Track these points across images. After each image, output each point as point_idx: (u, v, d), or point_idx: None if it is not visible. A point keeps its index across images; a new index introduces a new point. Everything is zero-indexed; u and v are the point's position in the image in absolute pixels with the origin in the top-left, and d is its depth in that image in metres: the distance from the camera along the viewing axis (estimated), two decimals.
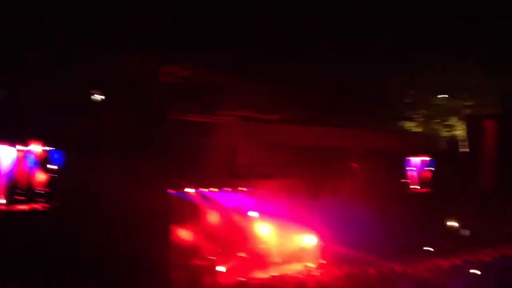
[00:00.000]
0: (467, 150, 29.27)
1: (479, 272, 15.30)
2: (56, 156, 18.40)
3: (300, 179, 24.14)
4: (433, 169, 28.51)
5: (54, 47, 20.26)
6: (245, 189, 23.69)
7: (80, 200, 17.38)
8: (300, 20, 29.87)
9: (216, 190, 22.92)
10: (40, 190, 18.17)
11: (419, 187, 28.47)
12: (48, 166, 18.38)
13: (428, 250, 22.35)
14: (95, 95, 21.35)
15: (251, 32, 28.56)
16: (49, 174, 18.31)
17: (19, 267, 14.48)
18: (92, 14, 19.78)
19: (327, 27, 31.50)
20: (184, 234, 21.52)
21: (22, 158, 18.02)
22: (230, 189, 23.38)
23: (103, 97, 21.32)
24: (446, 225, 26.59)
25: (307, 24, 31.02)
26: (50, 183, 18.24)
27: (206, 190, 22.65)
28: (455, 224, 26.53)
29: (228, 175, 22.87)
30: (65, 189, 17.72)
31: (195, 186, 22.20)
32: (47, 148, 18.26)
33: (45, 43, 19.51)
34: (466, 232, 25.73)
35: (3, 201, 17.12)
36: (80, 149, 17.43)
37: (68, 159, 18.01)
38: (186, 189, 21.92)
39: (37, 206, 17.71)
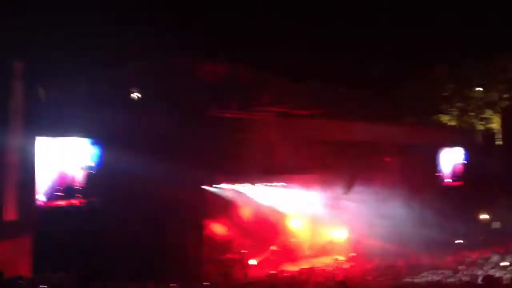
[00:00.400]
0: (501, 143, 28.91)
1: (508, 263, 15.30)
2: (95, 152, 19.11)
3: (333, 173, 24.36)
4: (466, 162, 28.26)
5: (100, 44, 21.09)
6: (278, 184, 24.08)
7: (117, 196, 18.06)
8: (341, 18, 30.18)
9: (251, 185, 23.38)
10: (78, 187, 18.89)
11: (452, 180, 28.27)
12: (87, 162, 19.08)
13: (459, 242, 22.25)
14: (134, 93, 22.09)
15: (291, 29, 29.09)
16: (88, 171, 18.99)
17: (59, 259, 15.06)
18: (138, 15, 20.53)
19: (371, 25, 31.70)
20: (217, 228, 22.09)
21: (62, 155, 18.77)
22: (264, 184, 23.81)
23: (141, 95, 22.07)
24: (477, 217, 26.35)
25: (348, 21, 31.29)
26: (88, 180, 18.93)
27: (241, 185, 23.16)
28: (486, 216, 26.26)
29: (263, 170, 23.24)
30: (103, 185, 18.40)
31: (231, 182, 22.72)
32: (87, 145, 18.97)
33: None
34: (497, 225, 25.45)
35: (43, 197, 17.87)
36: (119, 145, 18.09)
37: (107, 156, 18.68)
38: (221, 184, 22.48)
39: (76, 202, 18.44)
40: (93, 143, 18.81)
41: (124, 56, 22.05)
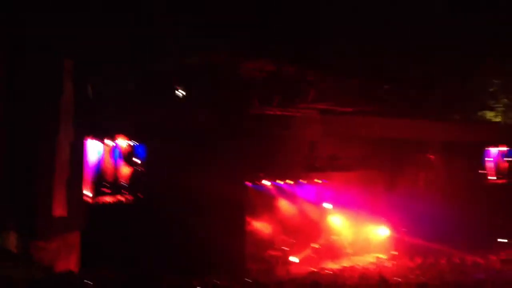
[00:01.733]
0: None
1: None
2: (140, 149, 19.60)
3: (376, 171, 24.29)
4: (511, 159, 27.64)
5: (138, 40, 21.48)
6: (320, 181, 24.15)
7: (162, 192, 18.49)
8: (389, 16, 29.83)
9: (292, 182, 23.52)
10: (124, 183, 19.41)
11: (497, 178, 27.69)
12: (133, 159, 19.58)
13: (503, 241, 21.88)
14: (178, 90, 22.44)
15: (336, 26, 28.89)
16: (133, 167, 19.50)
17: (106, 255, 15.52)
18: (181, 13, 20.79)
19: (417, 22, 31.20)
20: (259, 225, 22.34)
21: (107, 152, 19.33)
22: (306, 181, 23.92)
23: (185, 92, 22.41)
24: None
25: (394, 19, 30.90)
26: (134, 176, 19.43)
27: (282, 182, 23.31)
28: None
29: (305, 167, 23.32)
30: (148, 182, 18.86)
31: (272, 179, 22.91)
32: (132, 142, 19.47)
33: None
34: None
35: (90, 194, 18.42)
36: (163, 142, 18.51)
37: (151, 153, 19.13)
38: (263, 181, 22.69)
39: (122, 198, 18.96)
40: (139, 141, 19.28)
41: (169, 53, 22.43)
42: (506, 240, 22.04)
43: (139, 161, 19.73)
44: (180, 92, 22.51)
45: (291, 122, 22.77)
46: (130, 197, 19.16)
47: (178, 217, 18.09)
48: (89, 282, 11.69)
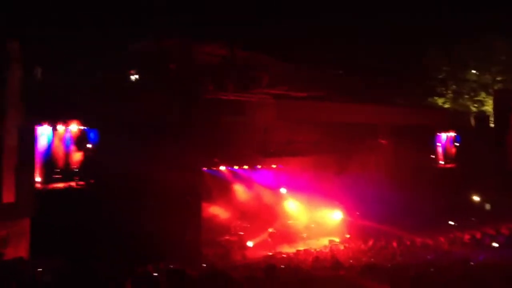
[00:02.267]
0: (494, 125, 29.10)
1: (497, 245, 15.59)
2: (92, 135, 19.20)
3: (329, 155, 24.57)
4: (459, 144, 28.53)
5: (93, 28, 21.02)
6: (275, 166, 24.28)
7: (115, 178, 18.16)
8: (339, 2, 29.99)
9: (248, 167, 23.56)
10: (76, 169, 19.01)
11: (445, 162, 28.55)
12: (84, 145, 19.18)
13: (451, 223, 22.60)
14: (131, 76, 22.09)
15: (290, 11, 29.02)
16: (85, 153, 19.10)
17: (55, 241, 15.20)
18: None
19: (368, 8, 31.59)
20: (215, 210, 22.32)
21: (59, 137, 18.86)
22: (261, 166, 24.00)
23: (138, 77, 22.08)
24: (469, 199, 26.68)
25: (346, 5, 31.18)
26: (86, 162, 19.04)
27: (238, 167, 23.32)
28: (478, 198, 26.60)
29: (260, 152, 23.40)
30: (101, 168, 18.50)
31: (228, 164, 22.88)
32: (84, 128, 19.04)
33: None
34: (488, 206, 25.80)
35: (40, 179, 17.96)
36: (115, 128, 18.18)
37: (104, 139, 18.77)
38: (219, 167, 22.63)
39: (73, 184, 18.58)
40: (91, 126, 18.90)
41: (121, 38, 22.04)
42: (453, 223, 22.71)
43: (91, 147, 19.33)
44: (132, 78, 22.19)
45: (245, 107, 22.76)
46: (81, 183, 18.78)
47: (132, 204, 17.83)
48: (39, 269, 11.46)
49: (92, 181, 18.77)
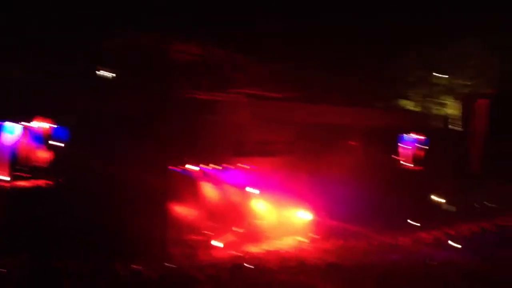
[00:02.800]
0: (460, 129, 29.71)
1: (459, 246, 16.00)
2: (60, 133, 18.94)
3: (301, 156, 24.68)
4: (425, 147, 29.03)
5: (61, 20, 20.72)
6: (244, 165, 24.32)
7: (83, 177, 18.02)
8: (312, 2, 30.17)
9: (217, 167, 23.54)
10: (44, 167, 18.75)
11: (411, 165, 29.02)
12: (52, 142, 18.89)
13: (416, 224, 23.06)
14: (101, 72, 21.84)
15: (264, 10, 29.08)
16: (53, 151, 18.84)
17: (21, 241, 15.05)
18: None
19: (342, 10, 31.94)
20: (182, 209, 22.25)
21: (26, 134, 18.57)
22: (230, 166, 24.01)
23: (109, 74, 21.86)
24: (434, 201, 27.22)
25: (319, 5, 31.40)
26: (54, 160, 18.79)
27: (207, 166, 23.29)
28: (442, 200, 27.15)
29: (232, 152, 23.39)
30: (69, 166, 18.31)
31: (197, 163, 22.84)
32: (51, 125, 18.78)
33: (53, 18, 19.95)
34: (452, 208, 26.35)
35: (7, 178, 17.70)
36: (85, 126, 18.01)
37: (73, 136, 18.55)
38: (188, 166, 22.59)
39: (40, 182, 18.33)
40: (60, 124, 18.66)
41: (92, 33, 21.81)
42: (417, 224, 23.16)
43: (60, 145, 19.08)
44: (104, 74, 21.98)
45: (219, 106, 22.73)
46: (49, 182, 18.55)
47: (99, 203, 17.73)
48: (2, 270, 11.37)
49: (60, 179, 18.56)
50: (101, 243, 16.82)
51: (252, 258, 18.92)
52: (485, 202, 23.52)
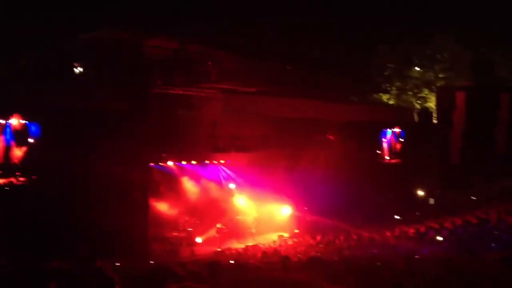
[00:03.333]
0: (437, 121, 29.97)
1: (441, 239, 16.05)
2: (34, 129, 18.42)
3: (278, 150, 24.62)
4: (404, 140, 29.21)
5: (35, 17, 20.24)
6: (224, 161, 24.15)
7: (59, 174, 17.56)
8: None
9: (196, 162, 23.32)
10: (17, 164, 18.22)
11: (390, 158, 29.18)
12: (27, 139, 18.37)
13: (397, 218, 23.14)
14: (76, 67, 21.39)
15: (239, 6, 28.97)
16: (27, 147, 18.32)
17: None
18: None
19: (317, 5, 31.99)
20: (163, 206, 22.00)
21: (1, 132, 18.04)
22: (209, 162, 23.81)
23: (84, 70, 21.42)
24: (414, 194, 27.41)
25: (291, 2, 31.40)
26: (28, 157, 18.27)
27: (186, 162, 23.04)
28: (422, 193, 27.35)
29: (209, 147, 23.19)
30: (43, 163, 17.83)
31: (176, 159, 22.57)
32: (26, 121, 18.26)
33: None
34: (432, 201, 26.58)
35: None
36: (59, 122, 17.55)
37: (47, 133, 18.05)
38: (167, 162, 22.28)
39: (14, 180, 17.81)
40: (33, 120, 18.17)
41: (66, 29, 21.37)
42: (399, 217, 23.26)
43: (33, 141, 18.55)
44: (78, 70, 21.55)
45: (194, 102, 22.53)
46: (23, 179, 18.02)
47: (77, 200, 17.33)
48: None
49: (34, 176, 18.07)
50: (80, 241, 16.44)
51: (234, 254, 18.77)
52: (466, 194, 23.73)
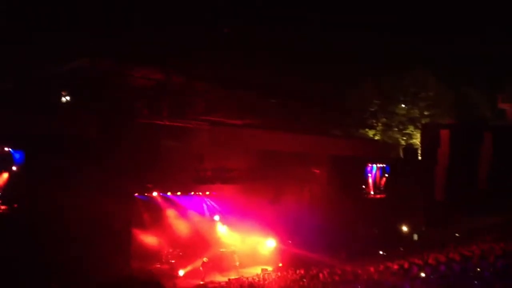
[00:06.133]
0: (421, 158, 30.28)
1: (424, 275, 16.04)
2: (17, 156, 18.27)
3: (263, 183, 24.64)
4: (389, 176, 29.43)
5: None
6: (208, 193, 24.08)
7: (39, 203, 17.34)
8: (273, 31, 30.67)
9: (181, 193, 23.22)
10: None
11: (375, 193, 29.33)
12: (9, 166, 18.19)
13: (381, 253, 23.11)
14: (61, 96, 21.37)
15: (225, 39, 29.34)
16: (9, 175, 18.13)
17: None
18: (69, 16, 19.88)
19: (293, 36, 32.57)
20: (146, 238, 21.80)
21: None
22: (194, 193, 23.72)
23: (69, 99, 21.40)
24: (398, 229, 27.46)
25: (279, 35, 31.95)
26: (9, 185, 18.07)
27: (171, 194, 22.93)
28: (407, 229, 27.42)
29: (194, 179, 23.13)
30: (25, 192, 17.63)
31: (161, 190, 22.45)
32: (8, 148, 18.13)
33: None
34: (416, 237, 26.65)
35: None
36: (42, 151, 17.42)
37: (29, 161, 17.90)
38: (151, 193, 22.17)
39: None
40: (16, 147, 18.04)
41: (52, 58, 21.44)
42: (383, 252, 23.24)
43: (15, 169, 18.38)
44: (63, 99, 21.56)
45: (180, 133, 22.53)
46: (4, 207, 17.78)
47: (59, 231, 17.09)
48: None
49: (15, 205, 17.83)
50: (61, 274, 16.18)
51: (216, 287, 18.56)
52: (449, 231, 23.88)
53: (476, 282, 14.25)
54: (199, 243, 23.05)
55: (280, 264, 23.07)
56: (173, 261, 21.71)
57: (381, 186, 29.58)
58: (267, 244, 24.11)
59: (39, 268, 16.18)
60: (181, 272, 21.38)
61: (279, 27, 32.81)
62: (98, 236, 17.82)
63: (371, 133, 35.53)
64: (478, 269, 15.50)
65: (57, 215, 17.31)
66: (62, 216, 17.38)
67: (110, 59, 21.33)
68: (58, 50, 21.74)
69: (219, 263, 22.78)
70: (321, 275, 18.80)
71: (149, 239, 21.72)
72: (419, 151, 31.57)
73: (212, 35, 29.28)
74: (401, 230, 27.47)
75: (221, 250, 23.48)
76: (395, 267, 17.72)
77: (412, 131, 34.46)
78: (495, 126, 29.02)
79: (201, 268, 21.83)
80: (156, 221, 22.25)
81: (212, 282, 20.07)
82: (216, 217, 24.19)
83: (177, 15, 27.45)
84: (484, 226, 23.07)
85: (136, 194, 21.28)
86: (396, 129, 35.21)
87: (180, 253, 22.16)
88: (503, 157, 26.19)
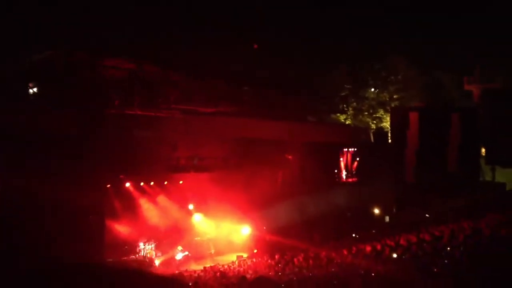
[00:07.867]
0: (391, 141, 30.65)
1: (396, 256, 16.33)
2: None
3: (237, 171, 24.72)
4: (360, 159, 29.74)
5: None
6: (182, 182, 24.03)
7: (12, 196, 17.14)
8: (247, 19, 30.56)
9: (155, 183, 23.13)
10: None
11: (347, 177, 29.66)
12: None
13: (354, 236, 23.46)
14: (30, 89, 20.98)
15: (198, 27, 29.09)
16: None
17: None
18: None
19: (277, 26, 32.48)
20: (121, 228, 21.70)
21: None
22: (168, 182, 23.65)
23: (38, 91, 21.03)
24: (370, 212, 27.86)
25: (253, 23, 31.84)
26: None
27: (144, 183, 22.83)
28: (378, 211, 27.84)
29: (168, 168, 23.09)
30: None
31: (134, 180, 22.35)
32: None
33: None
34: (388, 219, 27.10)
35: None
36: (13, 144, 17.19)
37: (1, 156, 17.65)
38: (124, 183, 22.03)
39: None
40: None
41: (20, 48, 20.99)
42: (356, 235, 23.56)
43: None
44: (32, 92, 21.17)
45: (153, 122, 22.41)
46: None
47: (32, 224, 16.93)
48: None
49: None
50: (34, 265, 16.02)
51: (192, 276, 18.59)
52: (420, 212, 24.30)
53: (446, 261, 14.54)
54: (174, 233, 23.04)
55: (255, 251, 23.28)
56: (148, 251, 21.64)
57: (353, 170, 29.89)
58: (242, 231, 24.27)
59: (17, 260, 15.97)
60: (156, 262, 21.38)
61: (251, 13, 32.74)
62: (72, 229, 17.66)
63: (342, 117, 35.80)
64: (448, 248, 15.82)
65: (29, 209, 17.20)
66: (36, 209, 17.28)
67: (81, 50, 20.99)
68: (27, 41, 21.28)
69: (195, 251, 22.85)
70: (295, 260, 19.01)
71: (123, 230, 21.60)
72: (389, 135, 31.95)
73: (186, 24, 29.08)
74: (373, 213, 27.87)
75: (196, 238, 23.54)
76: (368, 249, 17.97)
77: (382, 114, 34.85)
78: (462, 108, 29.46)
79: (176, 257, 21.91)
80: (130, 211, 22.13)
81: (187, 271, 20.08)
82: (191, 206, 24.17)
83: (149, 4, 27.15)
84: (453, 207, 23.53)
85: (110, 185, 21.12)
86: (366, 113, 35.55)
87: (155, 243, 22.10)
88: (471, 137, 26.67)
